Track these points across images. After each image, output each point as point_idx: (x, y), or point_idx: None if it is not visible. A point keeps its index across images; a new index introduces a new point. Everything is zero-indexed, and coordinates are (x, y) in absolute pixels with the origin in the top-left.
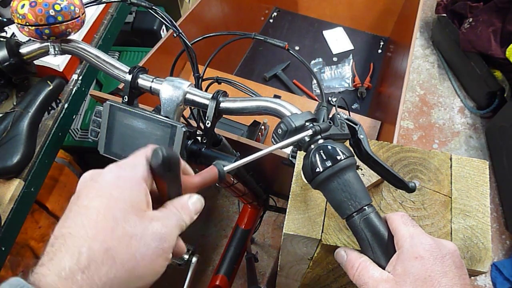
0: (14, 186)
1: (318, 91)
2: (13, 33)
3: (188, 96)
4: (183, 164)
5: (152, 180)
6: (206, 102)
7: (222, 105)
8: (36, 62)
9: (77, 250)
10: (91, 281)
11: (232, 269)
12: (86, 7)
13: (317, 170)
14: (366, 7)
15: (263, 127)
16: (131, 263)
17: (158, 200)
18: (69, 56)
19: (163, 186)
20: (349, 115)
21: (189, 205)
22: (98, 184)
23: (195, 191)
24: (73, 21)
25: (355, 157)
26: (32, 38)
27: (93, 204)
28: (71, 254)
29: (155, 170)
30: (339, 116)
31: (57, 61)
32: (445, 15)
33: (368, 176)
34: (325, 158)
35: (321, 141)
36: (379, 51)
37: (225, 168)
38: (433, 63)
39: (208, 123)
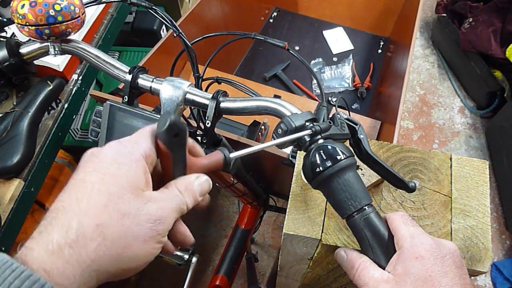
0: (14, 186)
1: (318, 91)
2: (13, 33)
3: (188, 96)
4: (192, 142)
5: (156, 158)
6: (206, 102)
7: (222, 105)
8: (36, 62)
9: (66, 223)
10: (78, 257)
11: (232, 269)
12: (86, 7)
13: (317, 170)
14: (366, 7)
15: (263, 127)
16: (122, 242)
17: (161, 181)
18: (69, 56)
19: (168, 161)
20: (349, 115)
21: (194, 186)
22: (97, 159)
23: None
24: (73, 21)
25: (355, 157)
26: (32, 38)
27: (89, 178)
28: (60, 228)
29: (161, 137)
30: (339, 116)
31: (57, 61)
32: (445, 15)
33: (368, 176)
34: (325, 158)
35: (321, 141)
36: (379, 51)
37: (231, 155)
38: (433, 63)
39: (208, 123)
